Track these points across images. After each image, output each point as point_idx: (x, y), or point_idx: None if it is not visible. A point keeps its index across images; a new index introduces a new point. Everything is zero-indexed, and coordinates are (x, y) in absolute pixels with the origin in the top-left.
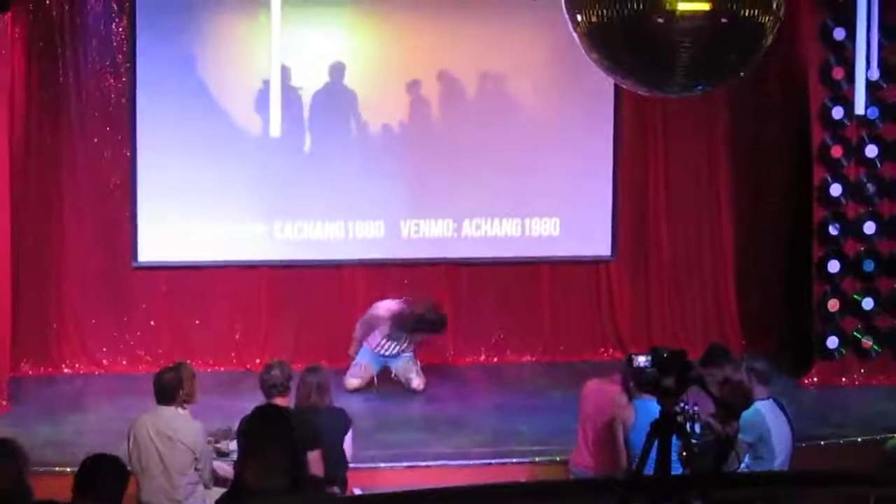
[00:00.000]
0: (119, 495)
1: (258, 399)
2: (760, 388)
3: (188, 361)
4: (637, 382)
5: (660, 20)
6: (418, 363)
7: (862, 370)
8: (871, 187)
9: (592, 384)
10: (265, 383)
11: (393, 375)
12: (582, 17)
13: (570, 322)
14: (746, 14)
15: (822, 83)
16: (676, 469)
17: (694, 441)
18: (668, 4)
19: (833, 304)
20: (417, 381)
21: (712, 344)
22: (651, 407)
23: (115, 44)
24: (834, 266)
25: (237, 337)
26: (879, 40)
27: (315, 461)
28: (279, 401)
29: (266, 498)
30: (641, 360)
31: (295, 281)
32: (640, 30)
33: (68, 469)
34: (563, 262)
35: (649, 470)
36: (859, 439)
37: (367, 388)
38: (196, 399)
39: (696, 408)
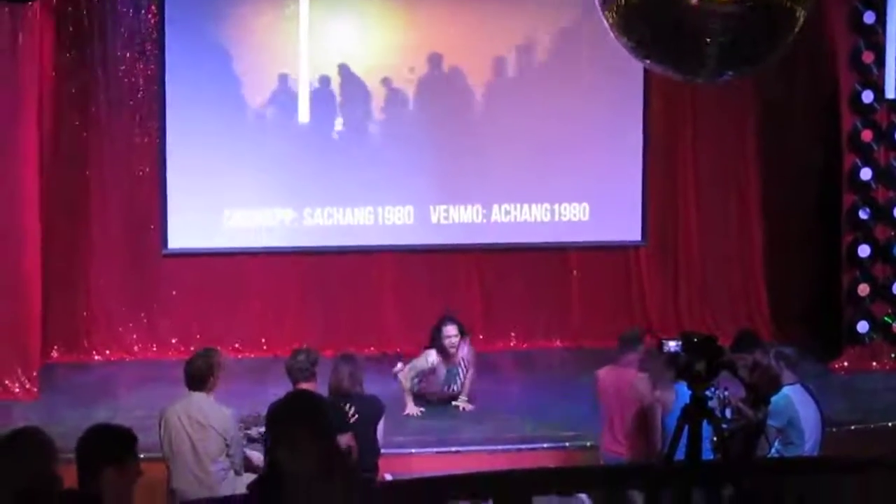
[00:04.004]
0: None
1: (288, 386)
2: (789, 373)
3: (218, 348)
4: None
5: (689, 4)
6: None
7: (892, 355)
8: None
9: (607, 373)
10: (291, 369)
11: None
12: (611, 1)
13: (599, 307)
14: None
15: (852, 67)
16: (707, 455)
17: (725, 426)
18: None
19: (863, 289)
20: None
21: (742, 329)
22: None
23: (143, 32)
24: (864, 251)
25: (267, 323)
26: None
27: (346, 445)
28: (305, 386)
29: (297, 482)
30: (672, 346)
31: (324, 267)
32: (670, 14)
33: None
34: (593, 248)
35: (680, 455)
36: (889, 424)
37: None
38: (216, 386)
39: (726, 393)
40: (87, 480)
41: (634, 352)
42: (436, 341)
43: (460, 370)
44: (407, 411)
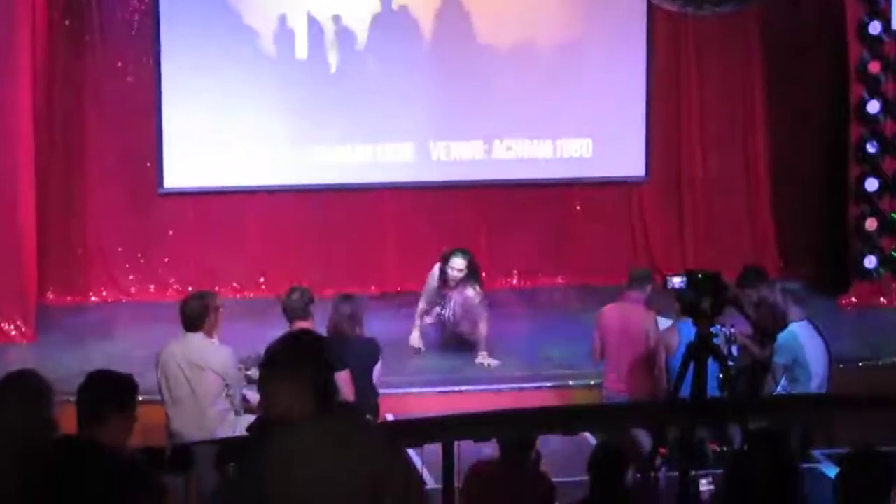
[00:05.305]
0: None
1: (287, 326)
2: (795, 310)
3: (216, 290)
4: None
5: None
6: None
7: None
8: None
9: (611, 310)
10: (286, 307)
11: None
12: None
13: (602, 244)
14: None
15: None
16: (713, 392)
17: (731, 364)
18: None
19: (870, 224)
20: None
21: (748, 265)
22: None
23: None
24: (871, 185)
25: (266, 263)
26: None
27: (344, 384)
28: (301, 324)
29: (296, 423)
30: (676, 282)
31: (324, 205)
32: None
33: None
34: (596, 184)
35: (685, 393)
36: None
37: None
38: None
39: (732, 330)
40: (87, 426)
41: (642, 291)
42: (443, 264)
43: (449, 307)
44: (410, 342)
